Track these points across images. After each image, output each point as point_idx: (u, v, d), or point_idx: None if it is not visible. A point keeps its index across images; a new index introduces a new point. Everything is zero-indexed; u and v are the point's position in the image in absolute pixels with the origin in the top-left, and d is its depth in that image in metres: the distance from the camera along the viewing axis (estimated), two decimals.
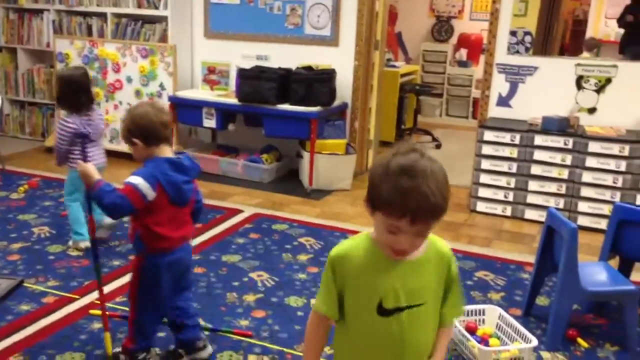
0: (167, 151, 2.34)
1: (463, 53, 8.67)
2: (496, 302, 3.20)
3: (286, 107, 4.90)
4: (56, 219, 4.13)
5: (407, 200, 1.28)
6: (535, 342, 2.57)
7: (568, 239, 2.69)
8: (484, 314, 2.87)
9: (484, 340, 2.67)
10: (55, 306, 2.99)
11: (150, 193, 2.24)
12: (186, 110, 5.25)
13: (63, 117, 3.55)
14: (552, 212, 2.92)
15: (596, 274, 2.93)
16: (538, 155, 4.37)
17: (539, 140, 4.35)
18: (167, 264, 2.38)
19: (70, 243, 3.70)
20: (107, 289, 3.19)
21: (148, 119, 2.29)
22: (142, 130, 2.28)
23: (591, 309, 3.11)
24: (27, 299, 3.04)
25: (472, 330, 2.74)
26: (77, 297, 3.07)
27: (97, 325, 2.80)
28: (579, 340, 2.83)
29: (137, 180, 2.23)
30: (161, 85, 5.43)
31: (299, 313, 3.01)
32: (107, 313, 2.66)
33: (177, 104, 5.27)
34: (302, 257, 3.69)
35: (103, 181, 2.25)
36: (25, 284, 3.16)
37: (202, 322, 2.86)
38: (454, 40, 8.82)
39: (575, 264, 2.72)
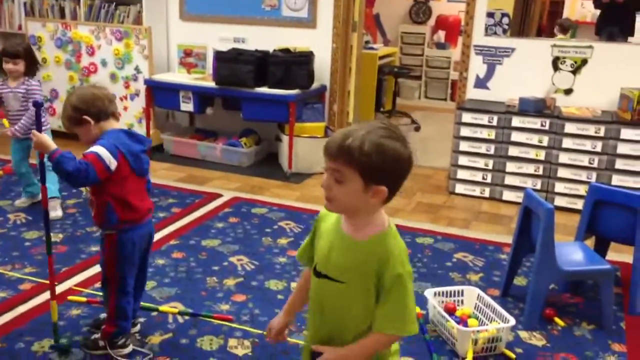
0: (116, 125, 2.38)
1: (441, 35, 8.67)
2: (475, 283, 3.24)
3: (264, 90, 4.87)
4: (32, 205, 4.06)
5: (331, 137, 1.43)
6: (512, 321, 2.60)
7: (545, 219, 2.73)
8: (462, 295, 2.90)
9: (462, 321, 2.70)
10: (33, 293, 2.95)
11: (113, 162, 2.25)
12: (163, 93, 5.19)
13: (32, 83, 3.83)
14: (529, 193, 2.95)
15: (572, 253, 2.97)
16: (515, 136, 4.41)
17: (516, 121, 4.39)
18: (139, 236, 2.41)
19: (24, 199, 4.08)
20: (86, 274, 3.17)
21: (95, 95, 2.33)
22: (91, 106, 2.29)
23: (568, 289, 3.16)
24: (4, 285, 3.00)
25: (451, 311, 2.77)
26: (55, 283, 3.03)
27: (75, 311, 2.77)
28: (556, 319, 2.88)
29: (100, 150, 2.23)
30: (137, 69, 5.34)
31: (280, 297, 3.01)
32: (87, 299, 2.64)
33: (154, 87, 5.21)
34: (282, 241, 3.69)
35: (61, 150, 2.20)
36: (1, 271, 3.12)
37: (182, 307, 2.86)
38: (432, 22, 8.81)
39: (551, 244, 2.76)
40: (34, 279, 3.09)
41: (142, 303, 2.78)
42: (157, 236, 3.66)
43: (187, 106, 5.14)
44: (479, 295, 2.84)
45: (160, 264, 3.30)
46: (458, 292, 2.90)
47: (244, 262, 3.39)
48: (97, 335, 2.51)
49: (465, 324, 2.66)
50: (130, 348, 2.50)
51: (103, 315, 2.61)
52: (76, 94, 2.34)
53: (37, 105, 2.30)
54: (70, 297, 2.90)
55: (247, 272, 3.26)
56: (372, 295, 1.47)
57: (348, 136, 1.36)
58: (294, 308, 1.73)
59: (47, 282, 3.04)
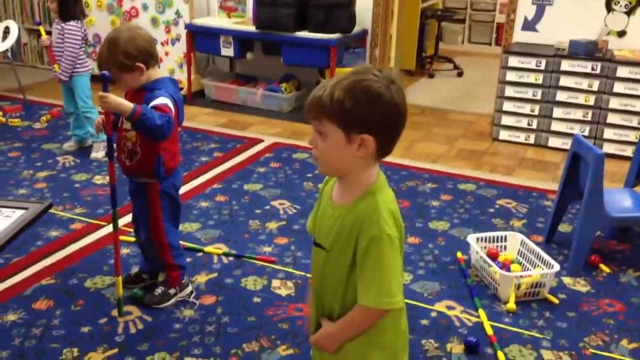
0: (160, 72, 2.34)
1: None
2: (518, 229, 3.21)
3: (305, 34, 4.80)
4: (79, 149, 4.16)
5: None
6: (557, 267, 2.58)
7: (594, 165, 2.66)
8: (505, 241, 2.88)
9: (505, 266, 2.69)
10: (84, 232, 3.06)
11: (176, 112, 2.24)
12: (203, 38, 5.17)
13: (68, 25, 3.86)
14: (578, 139, 2.87)
15: (621, 200, 2.91)
16: (564, 81, 4.26)
17: (565, 65, 4.23)
18: (178, 180, 2.44)
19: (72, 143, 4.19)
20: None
21: (145, 40, 2.24)
22: (143, 52, 2.21)
23: (614, 235, 3.11)
24: (56, 225, 3.11)
25: (493, 257, 2.76)
26: (104, 223, 3.13)
27: (125, 250, 2.86)
28: (601, 265, 2.85)
29: (168, 102, 2.20)
30: (177, 13, 5.31)
31: None
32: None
33: (194, 32, 5.18)
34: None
35: (140, 105, 2.11)
36: (53, 211, 3.23)
37: (226, 249, 2.92)
38: None
39: (600, 191, 2.70)
40: (84, 219, 3.19)
41: (187, 244, 2.86)
42: (201, 179, 3.73)
43: (228, 51, 5.12)
44: (522, 241, 2.82)
45: (204, 207, 3.36)
46: (501, 237, 2.89)
47: (286, 206, 3.42)
48: (160, 288, 2.48)
49: (508, 270, 2.65)
50: (190, 285, 2.56)
51: (134, 271, 2.63)
52: (123, 38, 2.19)
53: (104, 78, 2.09)
54: (121, 237, 2.99)
55: (289, 216, 3.29)
56: (350, 262, 1.33)
57: (321, 87, 1.26)
58: None
59: (97, 222, 3.15)
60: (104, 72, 2.10)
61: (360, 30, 5.05)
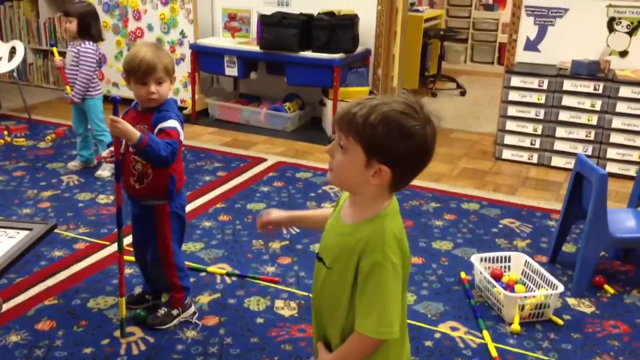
0: None
1: None
2: (522, 249, 3.20)
3: (308, 54, 4.83)
4: (83, 169, 4.18)
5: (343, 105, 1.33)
6: (561, 288, 2.57)
7: (597, 186, 2.66)
8: (509, 261, 2.87)
9: (509, 287, 2.68)
10: (87, 252, 3.06)
11: (182, 135, 2.26)
12: (208, 58, 5.21)
13: (85, 47, 3.88)
14: (582, 158, 2.87)
15: (625, 220, 2.90)
16: (567, 100, 4.28)
17: (568, 85, 4.25)
18: (184, 199, 2.45)
19: (77, 163, 4.20)
20: None
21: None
22: (173, 67, 2.28)
23: (618, 256, 3.09)
24: (59, 245, 3.11)
25: (497, 277, 2.75)
26: (107, 243, 3.14)
27: (128, 270, 2.86)
28: (606, 286, 2.83)
29: (177, 125, 2.22)
30: (182, 33, 5.37)
31: None
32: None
33: (199, 52, 5.23)
34: (327, 205, 3.70)
35: (145, 133, 2.13)
36: (56, 231, 3.23)
37: (229, 268, 2.92)
38: None
39: (604, 211, 2.69)
40: (87, 238, 3.19)
41: (190, 263, 2.86)
42: (204, 199, 3.73)
43: (232, 71, 5.16)
44: (526, 261, 2.81)
45: (207, 226, 3.36)
46: (505, 258, 2.88)
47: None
48: (163, 309, 2.47)
49: (512, 290, 2.64)
50: (193, 306, 2.56)
51: (137, 291, 2.62)
52: (162, 52, 2.24)
53: (115, 101, 2.09)
54: (126, 257, 2.99)
55: (292, 236, 3.29)
56: (349, 284, 1.30)
57: (359, 104, 1.25)
58: (299, 218, 1.68)
59: (100, 242, 3.15)
60: (115, 96, 2.12)
61: (364, 50, 5.09)
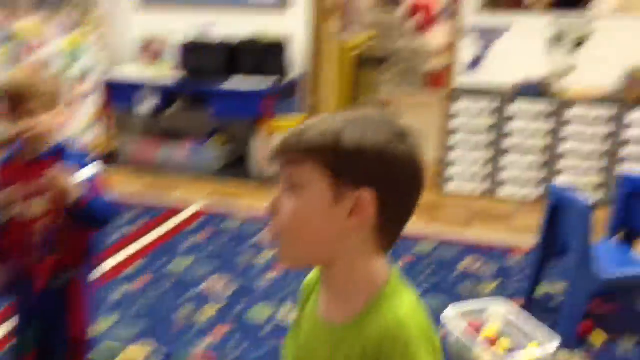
0: None
1: (418, 21, 8.27)
2: (490, 293, 2.81)
3: (235, 83, 4.36)
4: None
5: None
6: (557, 340, 2.17)
7: (581, 219, 2.31)
8: (486, 312, 2.46)
9: (491, 342, 2.27)
10: None
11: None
12: (121, 91, 4.63)
13: None
14: (556, 189, 2.54)
15: (609, 255, 2.56)
16: (514, 124, 4.00)
17: (515, 107, 3.98)
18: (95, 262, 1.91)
19: None
20: None
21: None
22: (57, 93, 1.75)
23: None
24: None
25: (475, 331, 2.32)
26: None
27: None
28: (595, 333, 2.47)
29: (93, 171, 1.73)
30: (91, 64, 4.76)
31: (267, 328, 2.53)
32: None
33: (111, 84, 4.64)
34: (266, 255, 3.20)
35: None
36: None
37: (154, 346, 2.35)
38: (407, 7, 8.40)
39: (589, 248, 2.34)
40: None
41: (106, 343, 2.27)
42: (117, 259, 3.14)
43: (149, 105, 4.59)
44: (506, 308, 2.41)
45: (121, 294, 2.78)
46: (479, 310, 2.46)
47: (223, 284, 2.89)
48: None
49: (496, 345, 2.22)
50: None
51: None
52: (41, 76, 1.85)
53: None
54: None
55: (229, 297, 2.76)
56: None
57: (306, 124, 0.86)
58: None
59: None
60: None
61: (295, 78, 4.67)
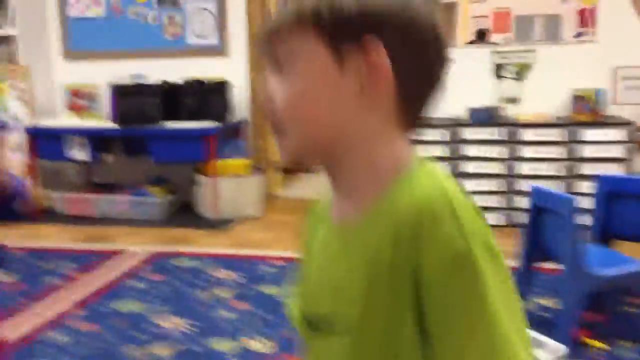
0: None
1: None
2: None
3: (176, 125, 4.12)
4: None
5: None
6: (563, 350, 1.98)
7: (569, 215, 2.18)
8: None
9: None
10: None
11: None
12: (49, 142, 4.29)
13: None
14: (538, 189, 2.42)
15: (600, 256, 2.44)
16: (470, 150, 3.94)
17: (468, 134, 3.93)
18: None
19: None
20: None
21: None
22: None
23: (589, 306, 2.60)
24: None
25: None
26: None
27: None
28: (591, 341, 2.31)
29: None
30: (14, 116, 4.41)
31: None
32: None
33: (37, 135, 4.29)
34: (225, 293, 2.89)
35: None
36: None
37: None
38: None
39: (581, 245, 2.21)
40: None
41: None
42: (59, 307, 2.75)
43: (80, 155, 4.26)
44: None
45: (64, 345, 2.39)
46: None
47: (179, 324, 2.56)
48: None
49: None
50: None
51: None
52: None
53: None
54: None
55: (188, 336, 2.43)
56: (412, 335, 0.62)
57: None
58: None
59: None
60: None
61: (240, 120, 4.49)
